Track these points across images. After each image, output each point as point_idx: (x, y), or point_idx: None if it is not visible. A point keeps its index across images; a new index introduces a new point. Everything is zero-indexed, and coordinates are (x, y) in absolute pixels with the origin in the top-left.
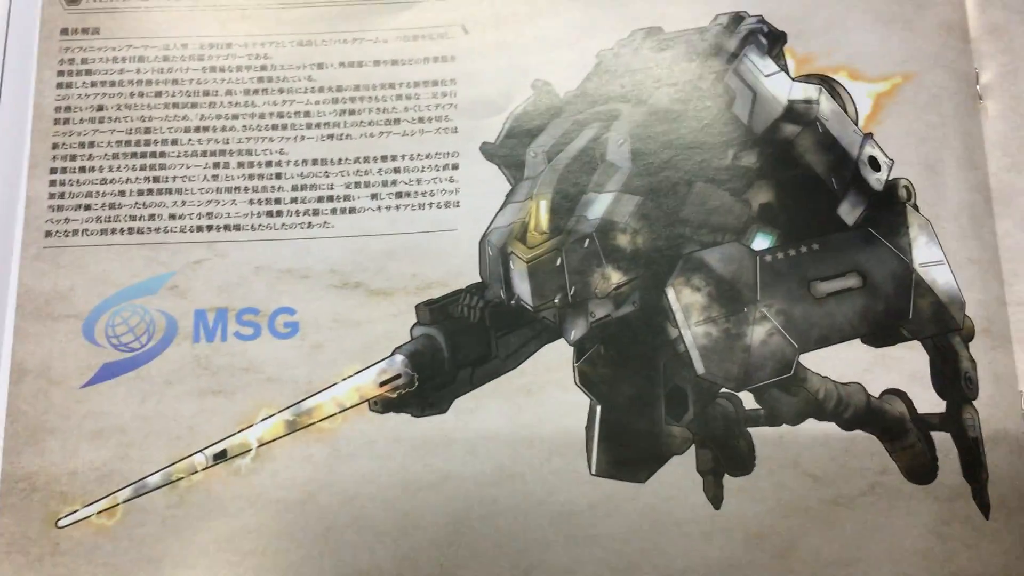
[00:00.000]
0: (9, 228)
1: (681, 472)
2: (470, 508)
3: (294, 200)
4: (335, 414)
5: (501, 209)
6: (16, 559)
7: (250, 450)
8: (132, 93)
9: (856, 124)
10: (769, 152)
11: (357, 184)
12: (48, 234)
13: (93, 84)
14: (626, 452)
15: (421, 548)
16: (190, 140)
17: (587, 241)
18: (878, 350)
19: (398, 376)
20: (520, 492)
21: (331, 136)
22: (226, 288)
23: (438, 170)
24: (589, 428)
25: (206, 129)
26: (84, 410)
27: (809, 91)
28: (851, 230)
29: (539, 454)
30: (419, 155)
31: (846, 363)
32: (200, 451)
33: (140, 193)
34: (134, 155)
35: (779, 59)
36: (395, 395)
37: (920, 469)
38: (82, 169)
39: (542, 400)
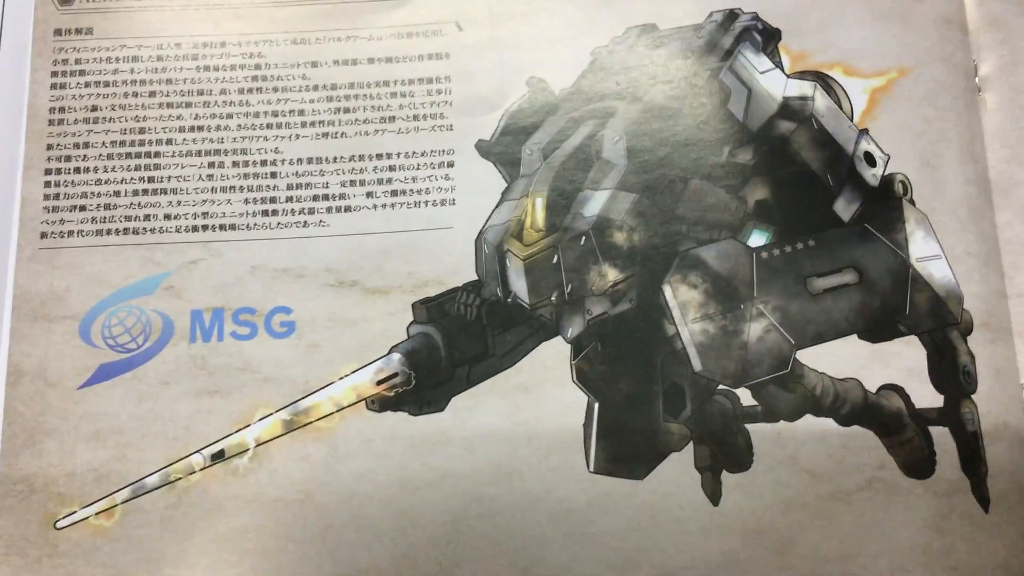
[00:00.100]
0: (4, 230)
1: (679, 469)
2: (468, 506)
3: (289, 199)
4: (332, 413)
5: (497, 207)
6: (15, 561)
7: (248, 450)
8: (126, 93)
9: (851, 120)
10: (764, 149)
11: (352, 182)
12: (43, 235)
13: (87, 84)
14: (624, 449)
15: (419, 546)
16: (185, 140)
17: (583, 238)
18: (875, 345)
19: (395, 375)
20: (518, 490)
21: (326, 135)
22: (222, 288)
23: (433, 168)
24: (587, 425)
25: (200, 129)
26: (81, 411)
27: (804, 88)
28: (847, 226)
29: (537, 452)
30: (414, 153)
31: (843, 359)
32: (198, 451)
33: (135, 193)
34: (129, 155)
35: (774, 56)
36: (392, 394)
37: (918, 464)
38: (77, 170)
39: (539, 398)
